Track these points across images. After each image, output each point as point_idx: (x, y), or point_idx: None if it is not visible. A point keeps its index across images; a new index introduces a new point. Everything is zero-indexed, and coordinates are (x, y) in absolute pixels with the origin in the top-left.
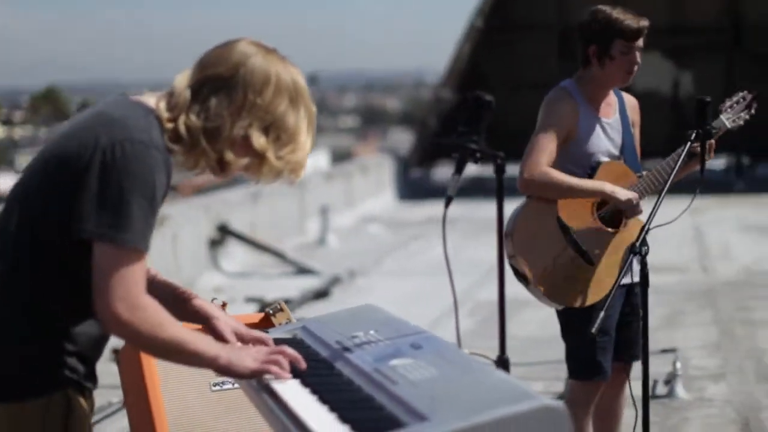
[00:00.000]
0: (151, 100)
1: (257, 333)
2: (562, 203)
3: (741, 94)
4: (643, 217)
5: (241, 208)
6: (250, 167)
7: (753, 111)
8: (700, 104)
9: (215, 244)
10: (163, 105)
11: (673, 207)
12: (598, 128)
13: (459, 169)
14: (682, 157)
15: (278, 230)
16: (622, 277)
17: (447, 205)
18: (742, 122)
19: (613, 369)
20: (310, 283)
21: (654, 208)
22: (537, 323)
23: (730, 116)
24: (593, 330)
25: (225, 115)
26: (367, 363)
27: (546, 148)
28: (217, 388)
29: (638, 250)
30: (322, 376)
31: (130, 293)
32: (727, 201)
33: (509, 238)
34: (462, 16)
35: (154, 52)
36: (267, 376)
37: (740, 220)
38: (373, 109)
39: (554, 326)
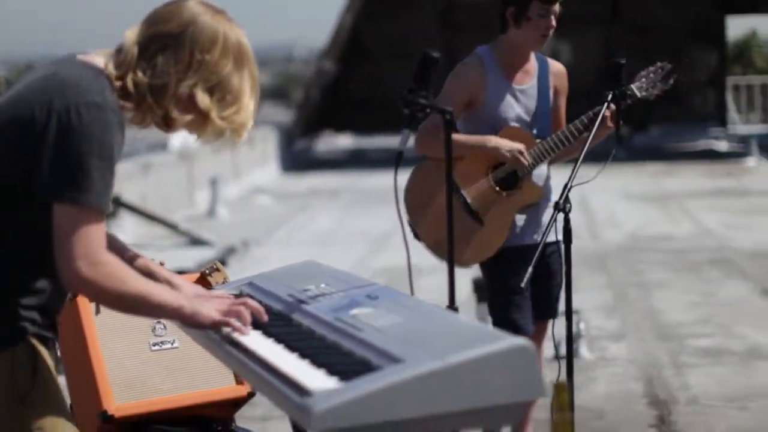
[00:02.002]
0: (98, 59)
1: (218, 293)
2: (457, 165)
3: (659, 64)
4: (539, 180)
5: (131, 180)
6: (194, 125)
7: (671, 82)
8: (614, 66)
9: (107, 216)
10: (111, 65)
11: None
12: (508, 95)
13: (410, 124)
14: (600, 116)
15: (168, 202)
16: (548, 234)
17: (398, 160)
18: (656, 91)
19: None
20: (204, 254)
21: (575, 167)
22: (438, 290)
23: (642, 85)
24: (522, 284)
25: (171, 72)
26: (326, 313)
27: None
28: (157, 348)
29: (562, 207)
30: (282, 326)
31: (90, 251)
32: (609, 170)
33: (405, 198)
34: None
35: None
36: (227, 329)
37: (622, 189)
38: None
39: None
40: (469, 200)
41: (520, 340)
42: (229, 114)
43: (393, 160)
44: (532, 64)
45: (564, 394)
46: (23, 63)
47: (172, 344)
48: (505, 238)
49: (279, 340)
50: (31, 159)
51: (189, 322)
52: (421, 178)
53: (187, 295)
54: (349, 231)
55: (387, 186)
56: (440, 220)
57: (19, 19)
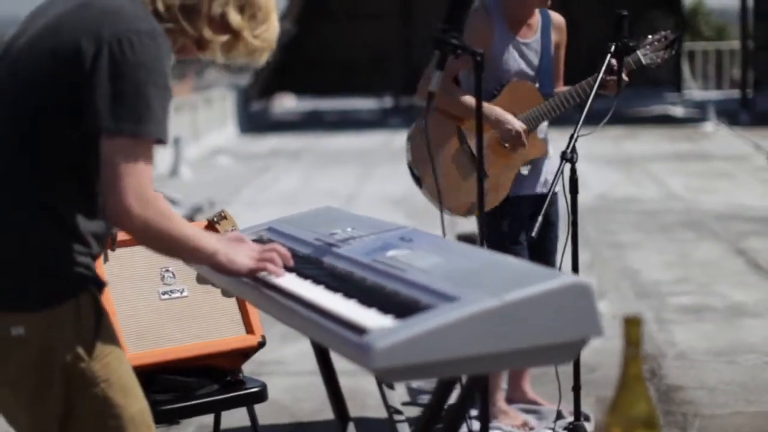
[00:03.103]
0: None
1: (237, 234)
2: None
3: (663, 33)
4: (542, 134)
5: None
6: (226, 46)
7: (674, 51)
8: (617, 18)
9: None
10: None
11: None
12: (512, 47)
13: (440, 65)
14: (603, 68)
15: None
16: (556, 183)
17: (429, 100)
18: (659, 60)
19: None
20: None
21: (581, 117)
22: None
23: (647, 53)
24: (533, 234)
25: None
26: (361, 256)
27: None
28: (166, 297)
29: (569, 157)
30: (315, 269)
31: (142, 187)
32: (569, 133)
33: (409, 144)
34: None
35: None
36: (262, 273)
37: (585, 151)
38: None
39: None
40: (474, 151)
41: (576, 278)
42: (261, 32)
43: (350, 122)
44: (536, 17)
45: (635, 329)
46: None
47: (181, 293)
48: (508, 191)
49: (317, 281)
50: (80, 92)
51: (222, 268)
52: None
53: (220, 240)
54: (315, 191)
55: (347, 147)
56: (445, 168)
57: None
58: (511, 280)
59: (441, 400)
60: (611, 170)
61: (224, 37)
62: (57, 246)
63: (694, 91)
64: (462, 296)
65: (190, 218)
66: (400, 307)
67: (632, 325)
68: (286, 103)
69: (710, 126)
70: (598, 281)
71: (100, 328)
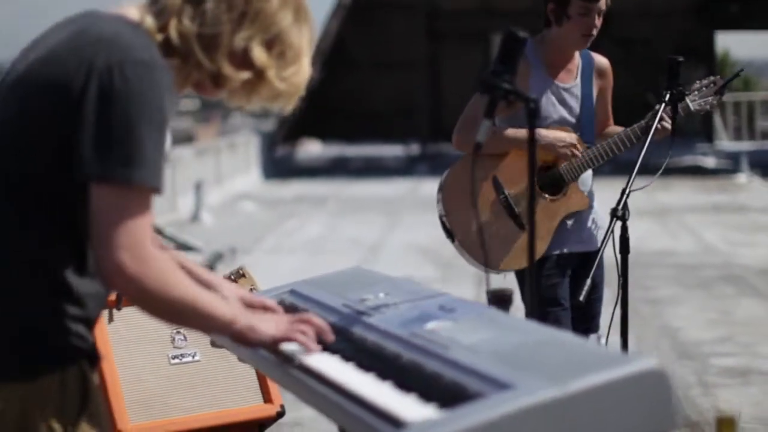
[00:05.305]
0: (132, 11)
1: (266, 301)
2: (501, 164)
3: (712, 78)
4: (584, 186)
5: None
6: (246, 86)
7: (722, 97)
8: (671, 63)
9: None
10: (149, 17)
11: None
12: (550, 92)
13: (489, 113)
14: (659, 114)
15: None
16: (606, 243)
17: (476, 151)
18: (708, 107)
19: None
20: (191, 259)
21: (633, 172)
22: None
23: (696, 99)
24: (581, 298)
25: (224, 20)
26: (396, 327)
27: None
28: (176, 361)
29: (621, 214)
30: (343, 342)
31: (137, 242)
32: (599, 184)
33: (441, 194)
34: None
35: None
36: (288, 347)
37: (611, 202)
38: None
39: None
40: (513, 202)
41: (651, 363)
42: (289, 74)
43: (376, 169)
44: (576, 61)
45: (729, 431)
46: None
47: (193, 357)
48: (547, 246)
49: (346, 357)
50: (68, 132)
51: (241, 339)
52: (460, 175)
53: (239, 306)
54: (340, 238)
55: (373, 194)
56: (479, 225)
57: None
58: (574, 363)
59: None
60: (645, 221)
61: (245, 75)
62: (46, 309)
63: (725, 142)
64: (517, 383)
65: (210, 266)
66: (443, 393)
67: (726, 427)
68: (311, 149)
69: (743, 177)
70: (636, 340)
71: (86, 409)
